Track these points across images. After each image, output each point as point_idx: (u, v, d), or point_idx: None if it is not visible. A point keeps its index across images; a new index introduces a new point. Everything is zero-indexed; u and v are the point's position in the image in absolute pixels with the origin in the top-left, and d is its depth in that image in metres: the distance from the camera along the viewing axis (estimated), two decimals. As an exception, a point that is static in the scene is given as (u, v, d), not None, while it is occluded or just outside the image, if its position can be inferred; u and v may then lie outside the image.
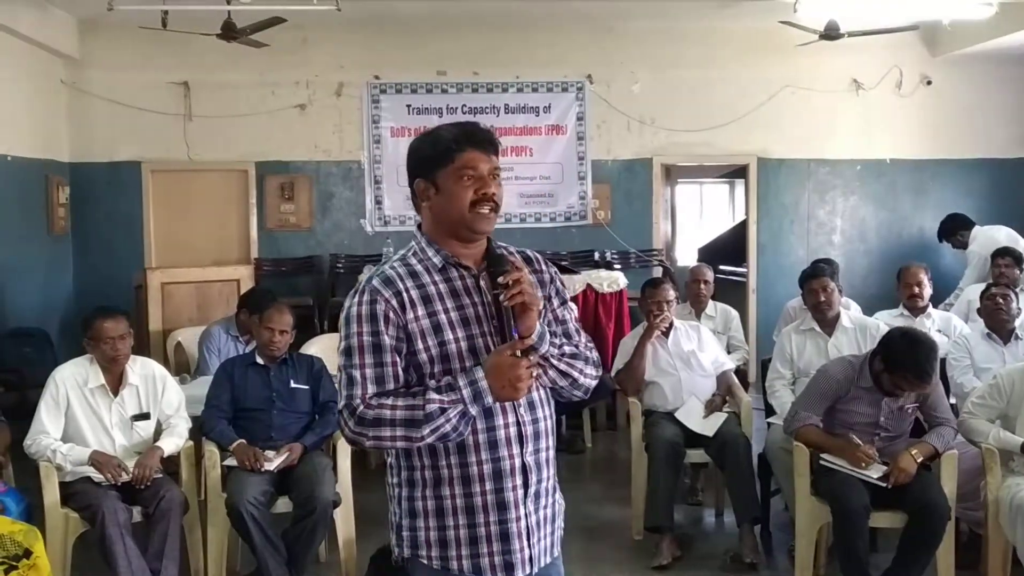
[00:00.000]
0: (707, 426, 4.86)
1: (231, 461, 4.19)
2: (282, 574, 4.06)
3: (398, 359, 2.06)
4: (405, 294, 2.07)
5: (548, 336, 2.10)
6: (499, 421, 2.09)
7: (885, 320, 5.58)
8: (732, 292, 9.68)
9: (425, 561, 2.13)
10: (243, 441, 4.23)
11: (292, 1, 6.26)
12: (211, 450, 4.18)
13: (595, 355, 2.22)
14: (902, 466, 3.84)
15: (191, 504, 4.13)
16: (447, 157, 2.10)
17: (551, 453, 2.19)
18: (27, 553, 3.38)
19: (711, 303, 6.15)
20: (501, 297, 2.04)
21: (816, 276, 4.95)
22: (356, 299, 2.10)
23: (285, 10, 6.42)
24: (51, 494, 3.93)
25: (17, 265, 7.34)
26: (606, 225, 8.67)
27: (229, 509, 4.00)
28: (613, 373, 5.26)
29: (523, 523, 2.12)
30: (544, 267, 2.24)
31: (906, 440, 4.05)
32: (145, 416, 4.19)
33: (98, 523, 3.81)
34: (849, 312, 5.09)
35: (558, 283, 2.25)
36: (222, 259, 8.09)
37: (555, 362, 2.12)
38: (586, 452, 6.69)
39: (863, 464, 3.87)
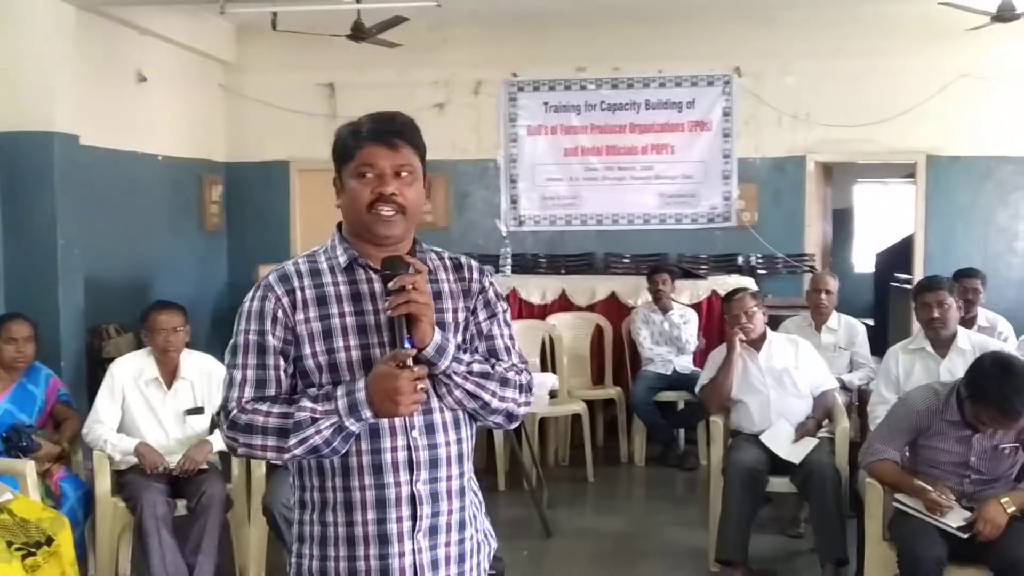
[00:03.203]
0: (794, 452, 4.38)
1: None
2: (319, 577, 4.01)
3: (282, 362, 1.91)
4: (299, 292, 1.92)
5: (452, 351, 1.87)
6: (386, 443, 1.88)
7: (1035, 343, 4.89)
8: (905, 302, 8.85)
9: None
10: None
11: (395, -1, 6.25)
12: (256, 448, 4.18)
13: (524, 378, 1.98)
14: (987, 516, 3.27)
15: (236, 501, 4.17)
16: (348, 153, 1.96)
17: (457, 483, 1.95)
18: (49, 541, 3.47)
19: (835, 315, 5.58)
20: (385, 304, 1.85)
21: (932, 288, 4.34)
22: (250, 294, 1.97)
23: (386, 7, 6.44)
24: (102, 482, 4.07)
25: (170, 259, 7.78)
26: (752, 227, 8.12)
27: (263, 509, 4.00)
28: (697, 388, 4.86)
29: (408, 559, 1.89)
30: (475, 276, 2.03)
31: (1006, 486, 3.45)
32: (199, 410, 4.26)
33: (136, 514, 3.91)
34: (970, 332, 4.43)
35: (490, 294, 2.03)
36: (362, 256, 8.23)
37: (460, 380, 1.88)
38: (699, 469, 6.27)
39: (938, 510, 3.33)
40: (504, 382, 1.94)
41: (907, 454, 3.64)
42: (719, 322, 6.84)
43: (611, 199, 8.31)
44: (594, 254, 8.17)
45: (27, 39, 5.60)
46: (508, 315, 2.06)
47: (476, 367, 1.91)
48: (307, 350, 1.90)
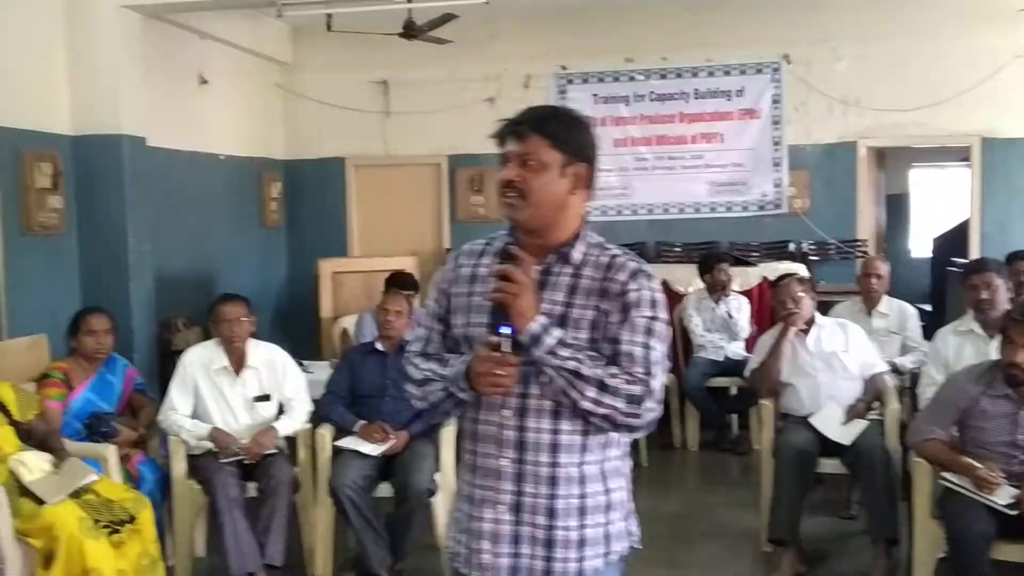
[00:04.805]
0: (844, 434, 4.44)
1: (346, 443, 4.35)
2: (383, 556, 4.19)
3: (439, 326, 2.12)
4: (460, 269, 2.11)
5: (550, 343, 1.90)
6: (482, 416, 2.05)
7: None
8: (963, 286, 8.77)
9: (447, 531, 2.23)
10: (365, 421, 4.39)
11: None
12: (321, 433, 4.37)
13: (637, 389, 1.91)
14: (1034, 492, 3.32)
15: (304, 484, 4.36)
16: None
17: (548, 471, 1.99)
18: (132, 519, 3.70)
19: (886, 299, 5.61)
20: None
21: (979, 271, 4.39)
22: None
23: (436, 6, 6.59)
24: (178, 466, 4.30)
25: (232, 255, 8.04)
26: (803, 214, 8.13)
27: (330, 491, 4.18)
28: (747, 373, 4.94)
29: (487, 527, 2.03)
30: (619, 278, 1.98)
31: (1056, 463, 3.49)
32: (266, 398, 4.46)
33: (210, 495, 4.13)
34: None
35: (630, 298, 1.97)
36: (417, 249, 8.40)
37: (552, 374, 1.92)
38: (751, 454, 6.33)
39: (987, 487, 3.38)
40: (602, 388, 1.90)
41: (956, 436, 3.69)
42: (770, 308, 6.89)
43: (662, 188, 8.37)
44: (645, 243, 8.23)
45: (96, 46, 5.85)
46: (656, 325, 1.97)
47: (570, 364, 1.90)
48: (454, 321, 2.09)
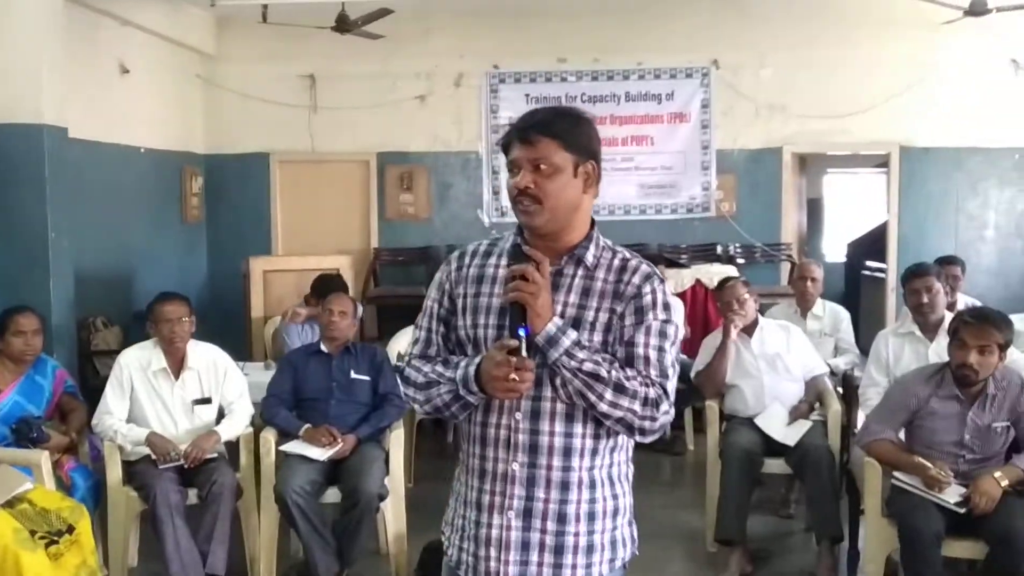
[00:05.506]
0: (789, 435, 4.52)
1: (292, 447, 4.22)
2: (330, 563, 4.07)
3: (442, 328, 2.07)
4: (465, 269, 2.06)
5: (566, 344, 1.88)
6: (491, 419, 1.99)
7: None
8: (878, 290, 9.06)
9: (443, 539, 2.14)
10: (310, 425, 4.26)
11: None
12: (266, 437, 4.23)
13: (652, 392, 1.91)
14: (982, 489, 3.43)
15: (246, 490, 4.21)
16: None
17: (560, 475, 1.96)
18: (70, 529, 3.51)
19: (820, 302, 5.72)
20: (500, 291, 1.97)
21: (920, 275, 4.49)
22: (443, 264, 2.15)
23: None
24: (113, 472, 4.10)
25: (152, 251, 7.75)
26: (730, 217, 8.28)
27: (276, 497, 4.04)
28: (692, 374, 4.98)
29: (495, 532, 1.98)
30: (633, 280, 1.97)
31: (998, 464, 3.60)
32: (206, 401, 4.29)
33: (150, 503, 3.95)
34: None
35: (645, 301, 1.96)
36: (344, 248, 8.24)
37: (568, 375, 1.88)
38: (686, 455, 6.41)
39: (937, 486, 3.48)
40: (620, 390, 1.88)
41: (903, 438, 3.78)
42: (703, 311, 7.00)
43: (592, 190, 8.37)
44: (576, 244, 8.26)
45: (15, 29, 5.53)
46: (669, 328, 1.97)
47: (587, 366, 1.88)
48: (460, 322, 2.03)
